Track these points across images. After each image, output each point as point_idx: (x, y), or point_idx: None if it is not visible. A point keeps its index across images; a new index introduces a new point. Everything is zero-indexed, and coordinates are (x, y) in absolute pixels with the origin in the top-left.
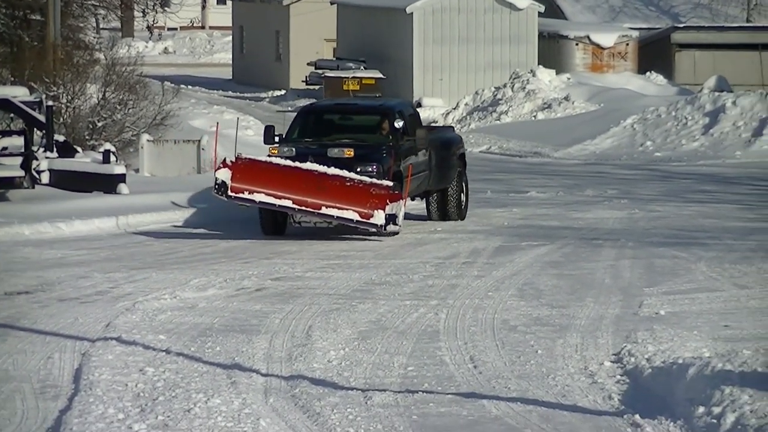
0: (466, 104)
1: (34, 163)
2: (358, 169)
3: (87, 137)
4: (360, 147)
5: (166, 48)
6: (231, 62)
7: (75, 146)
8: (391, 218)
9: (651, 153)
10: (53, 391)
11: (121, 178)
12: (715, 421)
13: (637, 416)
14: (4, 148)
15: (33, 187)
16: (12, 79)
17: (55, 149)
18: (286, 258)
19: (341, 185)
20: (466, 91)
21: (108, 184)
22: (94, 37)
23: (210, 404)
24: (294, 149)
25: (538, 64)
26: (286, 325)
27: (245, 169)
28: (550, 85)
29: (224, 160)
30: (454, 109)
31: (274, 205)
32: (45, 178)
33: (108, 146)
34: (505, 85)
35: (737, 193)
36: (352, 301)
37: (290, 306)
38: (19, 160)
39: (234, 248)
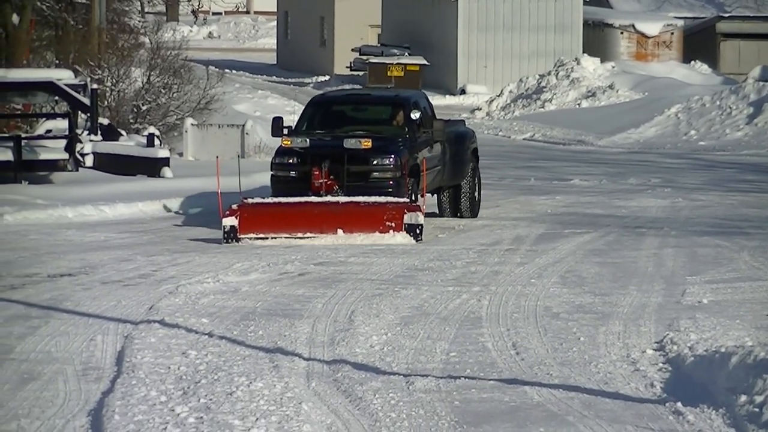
0: (510, 92)
1: (78, 146)
2: (375, 162)
3: (131, 121)
4: (376, 138)
5: (210, 32)
6: (275, 47)
7: (119, 130)
8: (411, 228)
9: (695, 142)
10: (96, 373)
11: (165, 161)
12: (757, 410)
13: (678, 404)
14: (49, 131)
15: (77, 170)
16: (57, 62)
17: (99, 132)
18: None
19: (356, 212)
20: (510, 79)
21: (152, 167)
22: (139, 21)
23: (252, 388)
24: (308, 140)
25: (583, 52)
26: (328, 309)
27: (252, 213)
28: (594, 73)
29: (230, 207)
30: (498, 96)
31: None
32: (89, 161)
33: (152, 130)
34: (549, 73)
35: None
36: (394, 287)
37: (333, 291)
38: (63, 143)
39: None
